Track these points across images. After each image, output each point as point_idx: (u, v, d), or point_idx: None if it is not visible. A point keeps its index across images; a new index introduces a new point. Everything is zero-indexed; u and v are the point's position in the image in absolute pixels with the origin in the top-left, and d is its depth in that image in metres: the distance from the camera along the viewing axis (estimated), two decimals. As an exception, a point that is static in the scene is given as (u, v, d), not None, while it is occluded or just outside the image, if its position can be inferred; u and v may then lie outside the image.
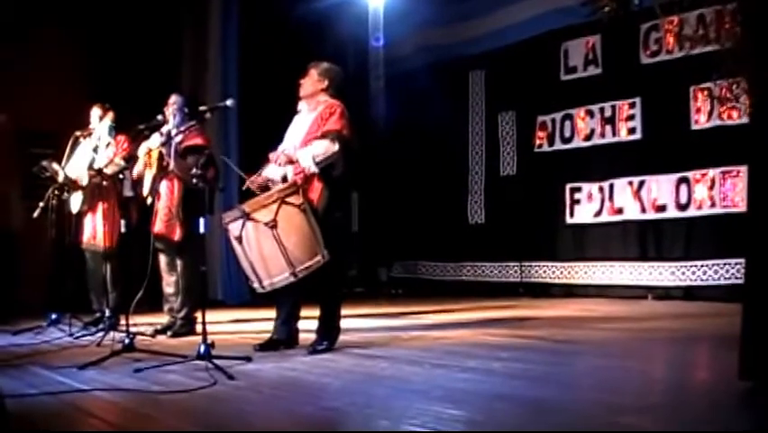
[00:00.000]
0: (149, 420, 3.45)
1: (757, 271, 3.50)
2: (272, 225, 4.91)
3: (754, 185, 3.58)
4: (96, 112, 7.40)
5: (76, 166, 7.27)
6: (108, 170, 6.65)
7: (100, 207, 7.14)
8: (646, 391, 3.88)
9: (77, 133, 7.43)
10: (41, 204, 7.07)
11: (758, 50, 3.53)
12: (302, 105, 5.55)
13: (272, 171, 5.44)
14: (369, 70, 12.50)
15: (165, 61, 10.35)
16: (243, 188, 5.45)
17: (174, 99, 6.54)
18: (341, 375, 4.36)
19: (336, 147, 5.21)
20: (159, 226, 6.45)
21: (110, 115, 7.35)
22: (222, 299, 10.23)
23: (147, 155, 6.37)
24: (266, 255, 4.95)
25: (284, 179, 5.35)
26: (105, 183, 6.88)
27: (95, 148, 7.24)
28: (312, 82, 5.47)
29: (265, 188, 5.38)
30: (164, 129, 6.41)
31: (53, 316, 6.94)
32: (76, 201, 7.23)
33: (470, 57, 11.15)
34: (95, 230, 7.20)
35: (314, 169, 5.16)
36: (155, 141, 6.37)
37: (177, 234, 6.41)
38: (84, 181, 7.18)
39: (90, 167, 7.14)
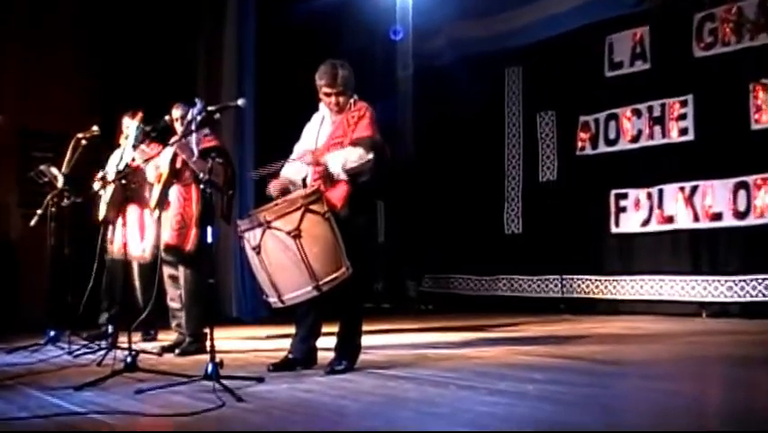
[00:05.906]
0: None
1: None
2: (296, 234, 4.83)
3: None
4: (126, 121, 7.42)
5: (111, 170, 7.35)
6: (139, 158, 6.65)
7: (132, 213, 7.15)
8: (696, 417, 3.80)
9: (79, 136, 7.46)
10: (39, 211, 7.09)
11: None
12: (324, 108, 5.50)
13: (292, 172, 5.42)
14: (396, 66, 12.49)
15: (178, 63, 10.40)
16: (268, 192, 5.41)
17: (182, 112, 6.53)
18: (360, 397, 4.32)
19: (370, 156, 5.17)
20: (169, 235, 6.44)
21: (139, 115, 7.38)
22: (236, 316, 10.21)
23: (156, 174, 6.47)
24: (287, 267, 4.87)
25: (304, 180, 5.35)
26: (133, 186, 6.83)
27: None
28: (334, 97, 5.37)
29: (286, 191, 5.35)
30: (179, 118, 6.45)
31: (51, 333, 6.93)
32: (102, 208, 7.31)
33: (507, 52, 11.10)
34: (125, 238, 7.21)
35: (342, 176, 5.15)
36: (165, 158, 6.39)
37: (189, 244, 6.40)
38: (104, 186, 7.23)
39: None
